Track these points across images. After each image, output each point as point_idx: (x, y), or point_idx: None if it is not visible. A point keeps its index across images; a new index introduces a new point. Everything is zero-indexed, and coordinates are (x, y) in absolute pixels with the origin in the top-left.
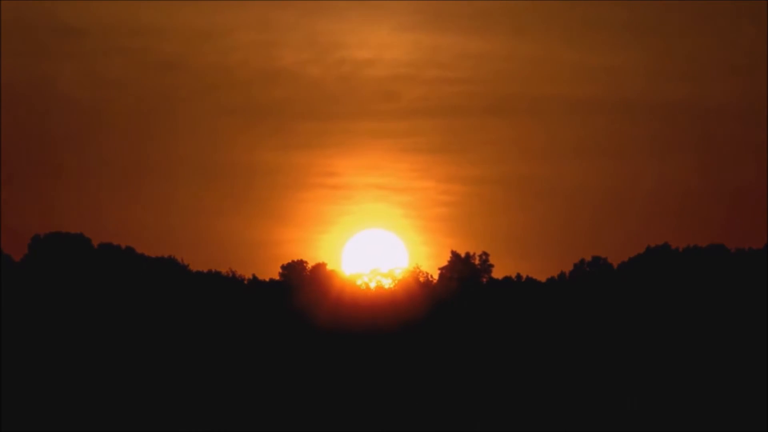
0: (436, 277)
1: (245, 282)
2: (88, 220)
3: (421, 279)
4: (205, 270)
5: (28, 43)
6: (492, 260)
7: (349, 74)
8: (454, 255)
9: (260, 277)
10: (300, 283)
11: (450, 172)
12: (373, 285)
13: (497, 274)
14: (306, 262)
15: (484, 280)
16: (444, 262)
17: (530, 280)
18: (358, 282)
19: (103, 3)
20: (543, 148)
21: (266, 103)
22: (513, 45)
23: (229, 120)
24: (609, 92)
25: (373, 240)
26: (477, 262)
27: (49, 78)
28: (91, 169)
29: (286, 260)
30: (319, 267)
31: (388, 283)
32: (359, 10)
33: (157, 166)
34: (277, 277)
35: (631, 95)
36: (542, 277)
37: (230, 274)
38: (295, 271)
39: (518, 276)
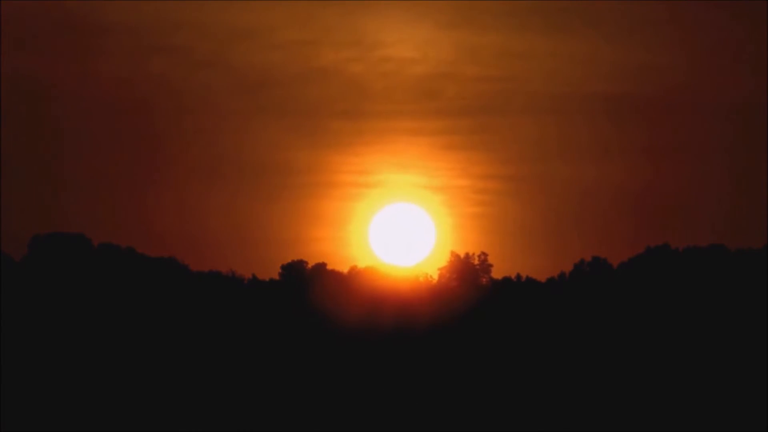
0: (436, 277)
1: (245, 282)
2: (89, 220)
3: (422, 279)
4: (206, 270)
5: (59, 42)
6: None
7: (392, 72)
8: (454, 255)
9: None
10: (303, 282)
11: (485, 170)
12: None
13: (497, 274)
14: (306, 262)
15: (484, 280)
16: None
17: (530, 280)
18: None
19: (143, 2)
20: (577, 147)
21: (304, 101)
22: (553, 44)
23: (265, 119)
24: (645, 90)
25: (407, 238)
26: (476, 262)
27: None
28: (94, 170)
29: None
30: (319, 267)
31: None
32: (403, 8)
33: (183, 166)
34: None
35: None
36: (542, 278)
37: (230, 274)
38: (295, 271)
39: (518, 276)
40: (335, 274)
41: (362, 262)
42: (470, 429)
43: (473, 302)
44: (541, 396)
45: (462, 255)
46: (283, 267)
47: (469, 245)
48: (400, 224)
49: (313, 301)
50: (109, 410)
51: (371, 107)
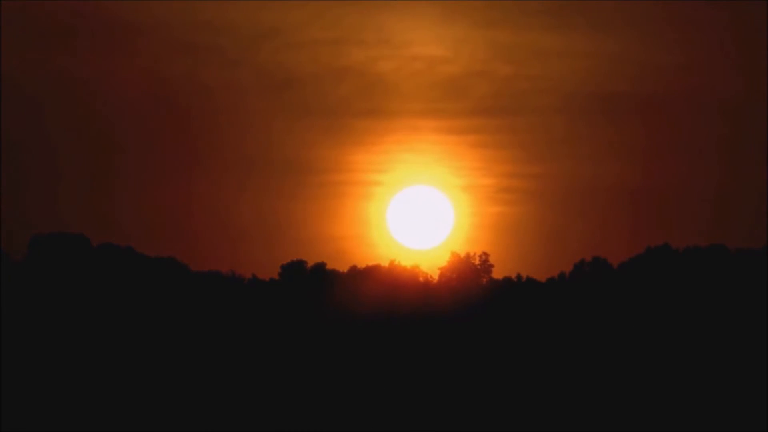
0: (436, 277)
1: (245, 282)
2: (89, 220)
3: (421, 279)
4: (206, 270)
5: (81, 41)
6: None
7: (422, 71)
8: (455, 255)
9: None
10: (303, 282)
11: (511, 169)
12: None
13: (498, 274)
14: (306, 262)
15: (485, 280)
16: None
17: (530, 281)
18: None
19: (171, 1)
20: (603, 147)
21: (330, 100)
22: (588, 43)
23: (289, 118)
24: (675, 90)
25: (429, 237)
26: (477, 262)
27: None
28: (94, 170)
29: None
30: (319, 267)
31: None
32: (437, 7)
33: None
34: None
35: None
36: (542, 277)
37: (230, 274)
38: (294, 271)
39: (518, 276)
40: (335, 275)
41: (383, 249)
42: (471, 429)
43: (473, 302)
44: (542, 396)
45: (463, 255)
46: (283, 267)
47: (483, 242)
48: (418, 207)
49: (313, 301)
50: (109, 410)
51: (399, 106)
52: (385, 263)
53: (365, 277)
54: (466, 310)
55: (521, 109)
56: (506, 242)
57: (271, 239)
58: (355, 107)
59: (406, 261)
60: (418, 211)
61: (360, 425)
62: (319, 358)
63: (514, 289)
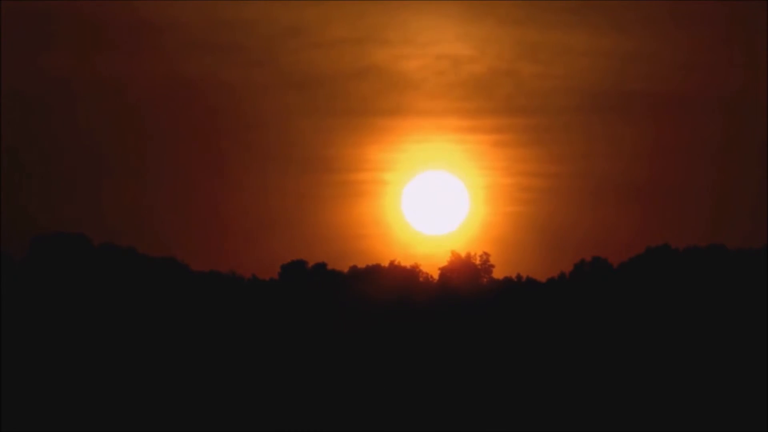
0: (436, 276)
1: (245, 282)
2: (89, 220)
3: (422, 279)
4: (207, 270)
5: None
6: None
7: (446, 70)
8: (455, 255)
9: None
10: (303, 282)
11: (532, 169)
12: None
13: (498, 273)
14: (306, 262)
15: (485, 280)
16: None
17: (530, 281)
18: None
19: (187, 1)
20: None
21: (353, 99)
22: (617, 42)
23: (311, 117)
24: (701, 89)
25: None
26: (478, 262)
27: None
28: (94, 170)
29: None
30: (319, 267)
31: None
32: (462, 6)
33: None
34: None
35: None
36: (542, 278)
37: (230, 274)
38: (295, 271)
39: (518, 276)
40: (335, 275)
41: (401, 239)
42: (471, 429)
43: (474, 302)
44: (542, 396)
45: (463, 255)
46: (283, 267)
47: (491, 241)
48: (434, 192)
49: (315, 301)
50: (109, 410)
51: (422, 105)
52: (385, 263)
53: (365, 277)
54: (466, 310)
55: (545, 108)
56: (509, 241)
57: (281, 238)
58: (378, 106)
59: (422, 247)
60: (434, 196)
61: (360, 425)
62: (318, 358)
63: (514, 289)
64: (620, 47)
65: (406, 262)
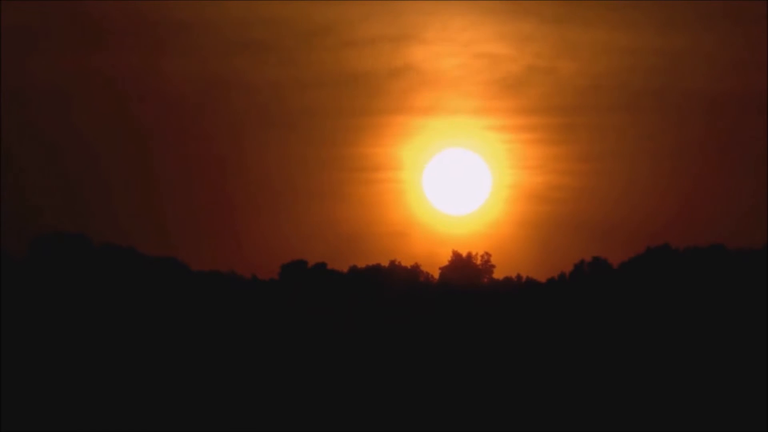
0: (436, 276)
1: (245, 282)
2: (89, 220)
3: (422, 279)
4: (207, 270)
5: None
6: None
7: (485, 68)
8: (455, 254)
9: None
10: (304, 282)
11: (563, 167)
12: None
13: (499, 274)
14: (307, 262)
15: (485, 280)
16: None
17: (530, 281)
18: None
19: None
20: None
21: (386, 98)
22: (658, 40)
23: (340, 117)
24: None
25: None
26: (478, 262)
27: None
28: (94, 170)
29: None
30: (319, 267)
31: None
32: (504, 4)
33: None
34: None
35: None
36: (542, 278)
37: (230, 274)
38: (295, 271)
39: (518, 276)
40: (335, 275)
41: (418, 209)
42: (471, 429)
43: (474, 302)
44: (542, 396)
45: (464, 254)
46: (283, 267)
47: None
48: (455, 171)
49: (315, 301)
50: (109, 410)
51: (457, 104)
52: (385, 263)
53: (365, 277)
54: (466, 310)
55: (582, 107)
56: (511, 241)
57: (281, 238)
58: (413, 105)
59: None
60: (455, 174)
61: (361, 425)
62: (319, 359)
63: (514, 289)
64: (664, 45)
65: (407, 262)
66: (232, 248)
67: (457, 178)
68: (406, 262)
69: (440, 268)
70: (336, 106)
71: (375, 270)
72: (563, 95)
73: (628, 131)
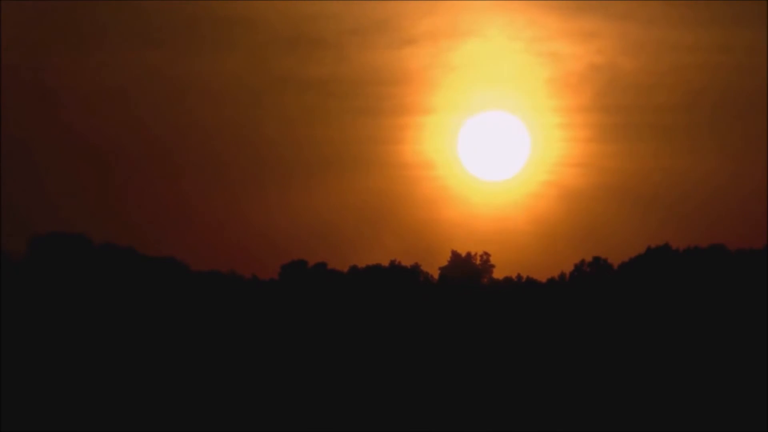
0: (436, 276)
1: (245, 282)
2: (89, 220)
3: (422, 279)
4: (207, 270)
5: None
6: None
7: (544, 66)
8: (455, 254)
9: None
10: (304, 282)
11: (611, 165)
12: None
13: (498, 274)
14: (307, 262)
15: (485, 280)
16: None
17: (530, 281)
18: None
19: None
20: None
21: (439, 97)
22: (720, 38)
23: (386, 114)
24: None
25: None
26: (478, 262)
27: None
28: (94, 169)
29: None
30: (319, 267)
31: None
32: (566, 3)
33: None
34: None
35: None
36: (542, 278)
37: (230, 274)
38: (295, 271)
39: (518, 276)
40: (335, 275)
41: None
42: (471, 429)
43: (473, 302)
44: (542, 396)
45: (464, 254)
46: (283, 267)
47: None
48: (492, 135)
49: (315, 301)
50: (109, 410)
51: (510, 103)
52: (385, 263)
53: (365, 277)
54: (466, 310)
55: (640, 104)
56: (510, 241)
57: (284, 238)
58: (467, 104)
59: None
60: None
61: (360, 425)
62: (319, 359)
63: (514, 289)
64: (728, 43)
65: (407, 262)
66: (232, 248)
67: (504, 170)
68: (406, 262)
69: (440, 268)
70: (384, 105)
71: (375, 270)
72: (623, 93)
73: (687, 130)
